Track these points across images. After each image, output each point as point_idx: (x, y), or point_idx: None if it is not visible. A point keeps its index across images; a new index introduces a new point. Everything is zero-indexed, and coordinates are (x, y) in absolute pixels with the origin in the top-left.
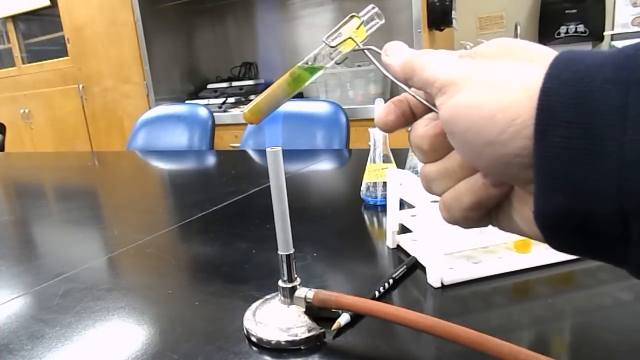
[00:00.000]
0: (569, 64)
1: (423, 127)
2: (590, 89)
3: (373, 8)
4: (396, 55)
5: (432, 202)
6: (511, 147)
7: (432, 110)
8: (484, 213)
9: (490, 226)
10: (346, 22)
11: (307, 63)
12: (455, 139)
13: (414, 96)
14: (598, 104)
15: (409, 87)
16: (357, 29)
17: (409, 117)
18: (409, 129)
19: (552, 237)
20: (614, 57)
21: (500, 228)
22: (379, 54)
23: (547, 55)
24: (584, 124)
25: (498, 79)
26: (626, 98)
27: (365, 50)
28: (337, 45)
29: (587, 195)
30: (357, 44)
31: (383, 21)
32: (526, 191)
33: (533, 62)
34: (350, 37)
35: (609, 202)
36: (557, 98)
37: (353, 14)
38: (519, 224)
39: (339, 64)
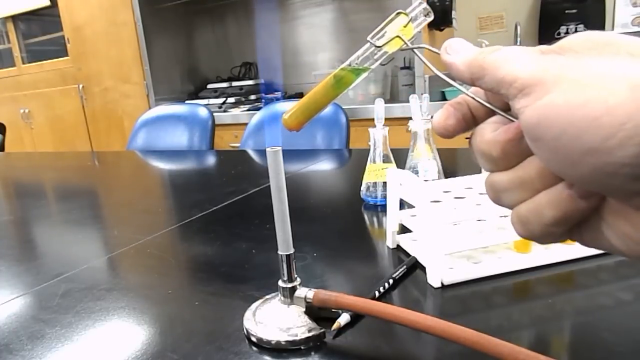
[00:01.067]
0: None
1: (491, 132)
2: None
3: (420, 4)
4: (459, 53)
5: (432, 202)
6: (619, 156)
7: (496, 113)
8: (569, 228)
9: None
10: (392, 20)
11: (350, 64)
12: (542, 145)
13: (474, 98)
14: None
15: (467, 88)
16: (405, 27)
17: (470, 120)
18: (470, 134)
19: None
20: None
21: (583, 243)
22: (434, 53)
23: None
24: None
25: (598, 77)
26: None
27: (415, 50)
28: (383, 45)
29: None
30: (405, 43)
31: (431, 18)
32: (628, 205)
33: (635, 56)
34: (397, 36)
35: None
36: None
37: (399, 10)
38: (612, 240)
39: (384, 64)
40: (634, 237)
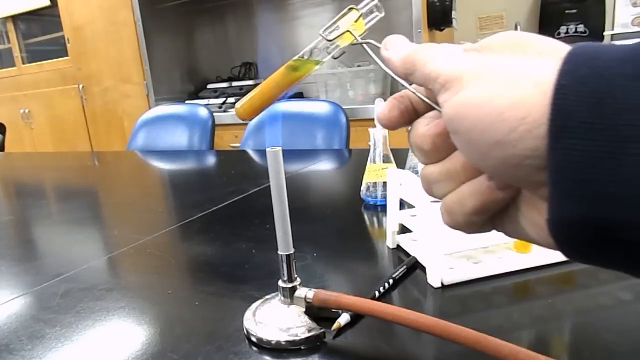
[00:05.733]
0: (585, 60)
1: (424, 126)
2: (611, 88)
3: (372, 0)
4: (396, 49)
5: (432, 202)
6: (521, 148)
7: (433, 108)
8: (488, 218)
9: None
10: (344, 15)
11: (303, 57)
12: (459, 138)
13: (414, 93)
14: (620, 104)
15: (410, 83)
16: (356, 22)
17: (412, 114)
18: (409, 128)
19: (567, 245)
20: (634, 53)
21: (506, 233)
22: (379, 48)
23: (558, 48)
24: (605, 126)
25: (507, 74)
26: None
27: (364, 45)
28: (334, 39)
29: (609, 202)
30: (356, 38)
31: (383, 14)
32: (536, 195)
33: (543, 55)
34: (348, 31)
35: (632, 210)
36: (574, 97)
37: (351, 6)
38: (527, 230)
39: (336, 58)
40: (543, 227)
